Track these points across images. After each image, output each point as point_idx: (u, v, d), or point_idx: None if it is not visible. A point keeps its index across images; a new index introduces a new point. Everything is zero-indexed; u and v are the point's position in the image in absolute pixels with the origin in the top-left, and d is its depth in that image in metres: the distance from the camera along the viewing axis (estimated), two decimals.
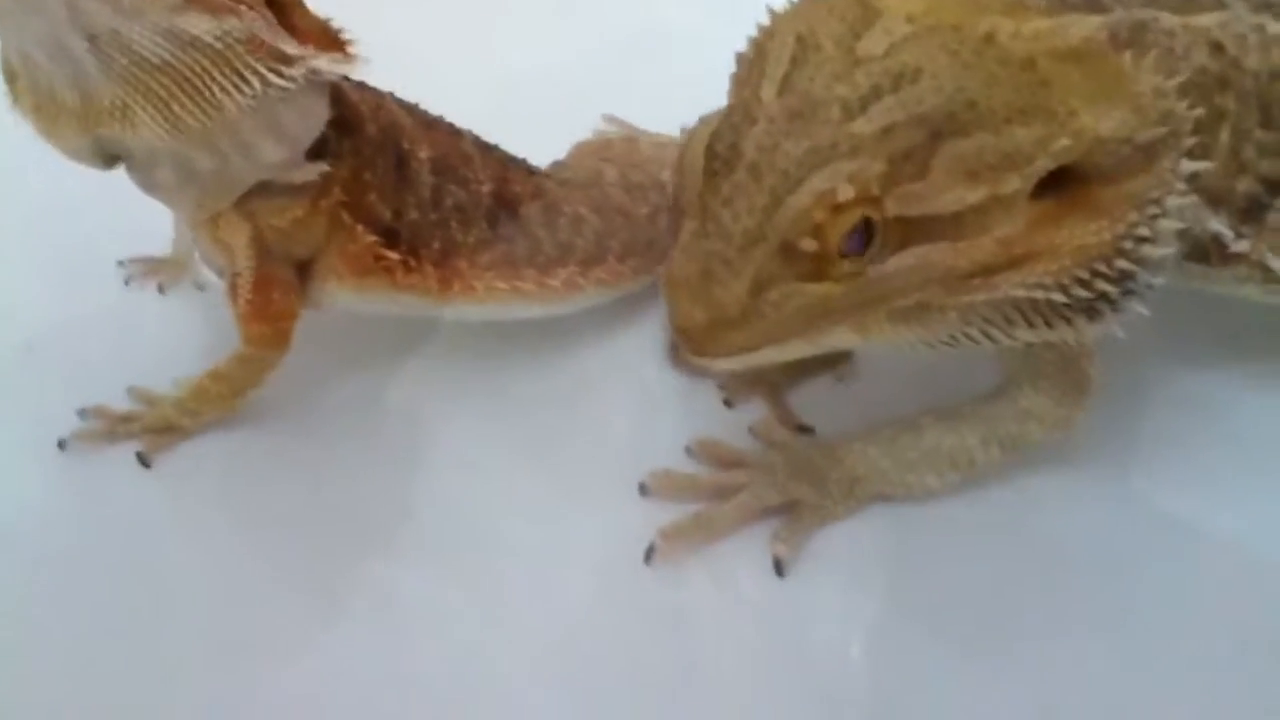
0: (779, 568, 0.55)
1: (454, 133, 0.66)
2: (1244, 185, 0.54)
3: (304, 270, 0.61)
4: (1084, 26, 0.48)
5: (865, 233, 0.45)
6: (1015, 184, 0.46)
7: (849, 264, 0.46)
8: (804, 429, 0.61)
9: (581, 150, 0.79)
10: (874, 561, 0.56)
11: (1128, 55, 0.48)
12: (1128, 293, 0.49)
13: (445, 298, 0.63)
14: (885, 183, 0.45)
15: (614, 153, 0.78)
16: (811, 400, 0.63)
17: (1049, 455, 0.58)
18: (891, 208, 0.45)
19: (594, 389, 0.65)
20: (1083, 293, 0.48)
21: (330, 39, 0.57)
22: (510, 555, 0.57)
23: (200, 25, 0.51)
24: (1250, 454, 0.60)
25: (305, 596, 0.55)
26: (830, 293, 0.47)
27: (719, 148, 0.48)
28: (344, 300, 0.62)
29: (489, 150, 0.68)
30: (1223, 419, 0.61)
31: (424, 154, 0.63)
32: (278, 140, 0.55)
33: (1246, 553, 0.56)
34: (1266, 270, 0.56)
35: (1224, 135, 0.54)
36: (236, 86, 0.52)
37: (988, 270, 0.47)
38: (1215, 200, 0.54)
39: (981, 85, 0.45)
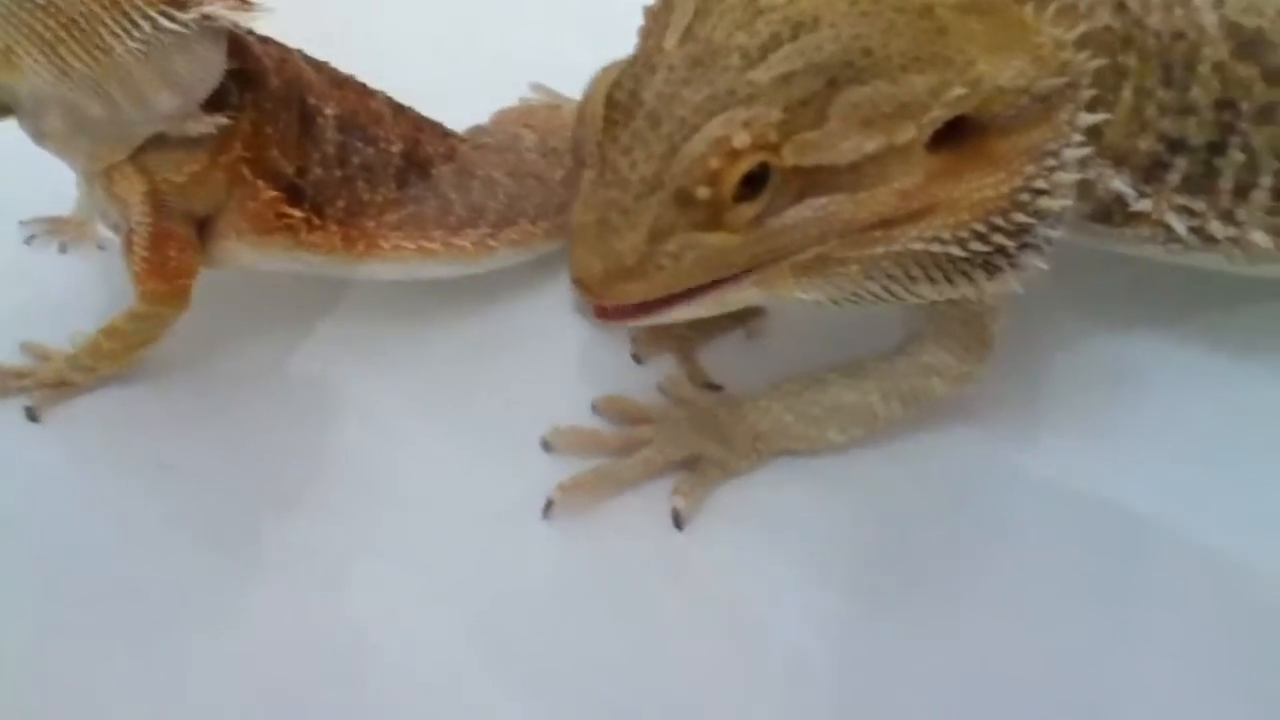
0: (677, 520, 0.54)
1: (365, 92, 0.65)
2: (1145, 144, 0.55)
3: (204, 227, 0.59)
4: None
5: (762, 180, 0.45)
6: (911, 133, 0.46)
7: (746, 211, 0.46)
8: (713, 386, 0.61)
9: (504, 116, 0.78)
10: (782, 516, 0.56)
11: (1030, 7, 0.48)
12: (1025, 246, 0.49)
13: (350, 257, 0.62)
14: (782, 130, 0.45)
15: (536, 119, 0.77)
16: (722, 357, 0.63)
17: (956, 413, 0.58)
18: (789, 156, 0.45)
19: (504, 347, 0.64)
20: (980, 246, 0.48)
21: None
22: (415, 511, 0.56)
23: None
24: (1154, 412, 0.60)
25: (204, 554, 0.54)
26: (728, 243, 0.47)
27: (619, 96, 0.48)
28: (246, 259, 0.61)
29: (401, 110, 0.66)
30: (1129, 378, 0.62)
31: (330, 111, 0.62)
32: (171, 89, 0.54)
33: (1147, 512, 0.56)
34: (1168, 230, 0.56)
35: (1126, 93, 0.54)
36: (125, 30, 0.51)
37: (886, 223, 0.48)
38: (1118, 159, 0.55)
39: (879, 33, 0.46)
